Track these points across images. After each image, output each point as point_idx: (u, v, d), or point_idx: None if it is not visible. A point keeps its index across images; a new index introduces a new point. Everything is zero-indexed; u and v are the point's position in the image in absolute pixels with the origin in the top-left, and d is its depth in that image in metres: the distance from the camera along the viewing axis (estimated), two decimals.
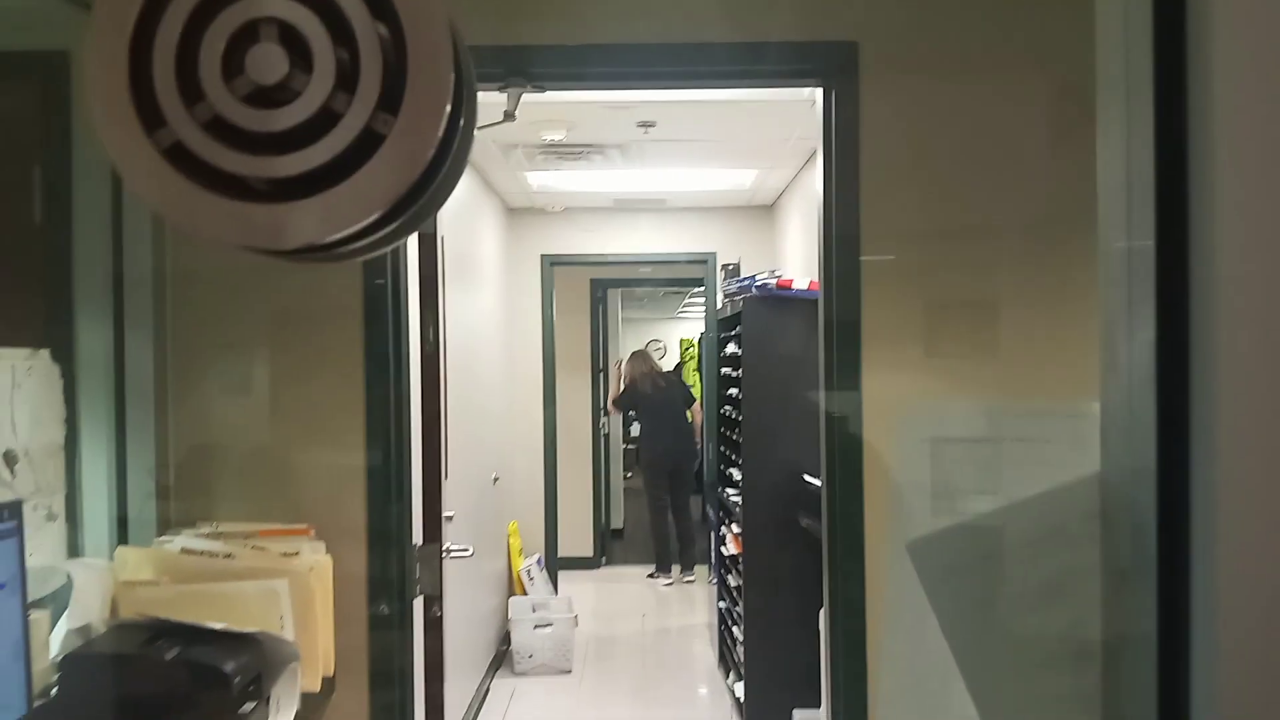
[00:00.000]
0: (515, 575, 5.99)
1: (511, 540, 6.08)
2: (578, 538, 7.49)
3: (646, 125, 3.90)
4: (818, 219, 2.23)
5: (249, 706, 1.70)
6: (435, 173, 0.49)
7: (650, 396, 7.37)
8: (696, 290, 10.80)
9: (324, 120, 0.47)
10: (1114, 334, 0.48)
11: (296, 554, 1.95)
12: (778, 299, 4.20)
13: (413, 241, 2.29)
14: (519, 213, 6.36)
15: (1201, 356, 0.42)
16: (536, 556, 6.29)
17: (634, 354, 7.70)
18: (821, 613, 3.51)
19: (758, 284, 4.21)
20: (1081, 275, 2.11)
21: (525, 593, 5.92)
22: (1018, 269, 2.16)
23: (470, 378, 4.71)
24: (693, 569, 7.55)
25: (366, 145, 0.48)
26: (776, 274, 4.27)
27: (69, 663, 1.59)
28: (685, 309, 13.74)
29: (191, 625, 1.71)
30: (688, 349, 12.41)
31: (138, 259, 2.12)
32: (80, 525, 1.96)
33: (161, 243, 2.13)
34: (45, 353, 1.81)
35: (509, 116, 2.21)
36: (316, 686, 1.94)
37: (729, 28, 2.11)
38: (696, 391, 11.54)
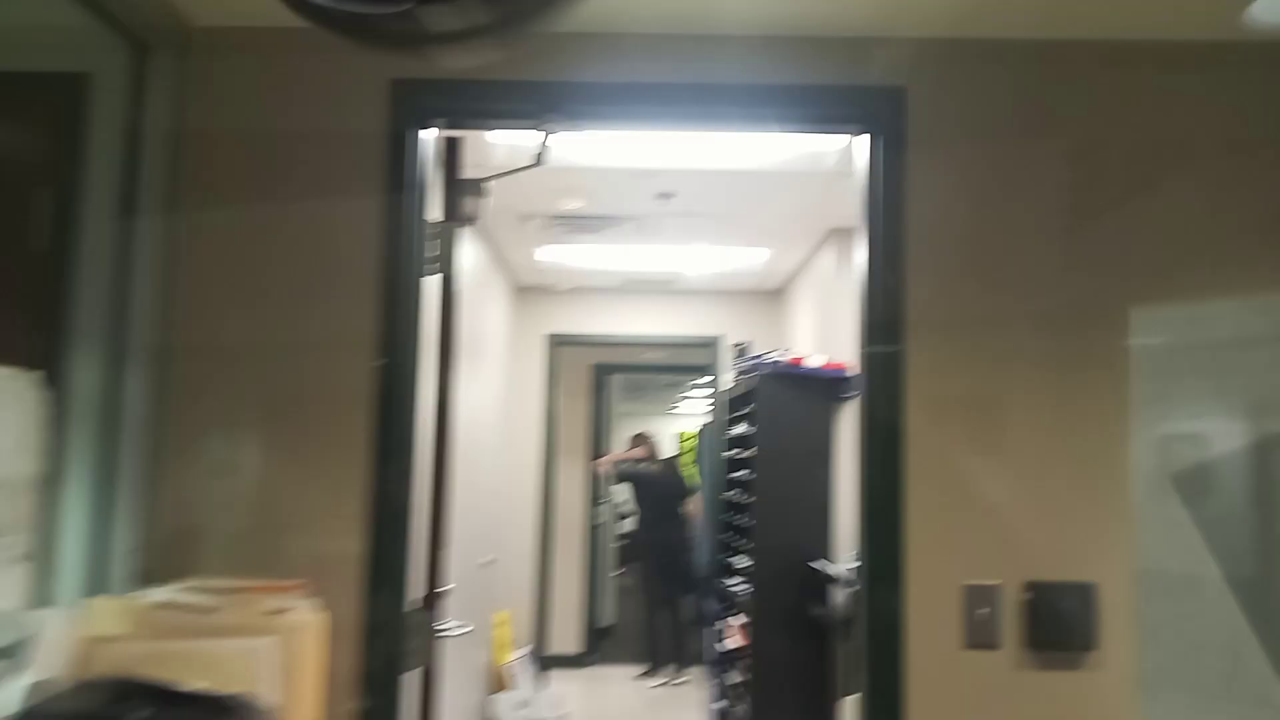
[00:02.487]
0: (499, 669, 5.69)
1: (499, 631, 5.79)
2: (566, 633, 7.19)
3: (666, 196, 3.84)
4: (860, 278, 2.10)
5: None
6: None
7: (651, 482, 7.23)
8: (695, 383, 10.73)
9: None
10: None
11: (286, 610, 1.77)
12: (791, 377, 4.10)
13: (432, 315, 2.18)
14: (526, 291, 6.29)
15: None
16: (527, 649, 5.99)
17: (638, 434, 7.53)
18: (846, 702, 3.29)
19: (771, 361, 4.11)
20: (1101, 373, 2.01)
21: (510, 688, 5.61)
22: (1064, 361, 2.04)
23: (468, 455, 4.54)
24: (687, 668, 7.23)
25: None
26: (789, 351, 4.18)
27: None
28: (680, 404, 13.64)
29: (164, 686, 1.52)
30: (686, 441, 12.23)
31: (147, 311, 1.99)
32: (54, 572, 1.78)
33: (171, 294, 2.01)
34: (30, 375, 1.67)
35: (539, 160, 2.13)
36: None
37: (771, 70, 2.06)
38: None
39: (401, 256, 2.01)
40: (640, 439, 7.43)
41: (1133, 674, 1.94)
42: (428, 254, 2.09)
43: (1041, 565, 1.97)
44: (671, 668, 7.18)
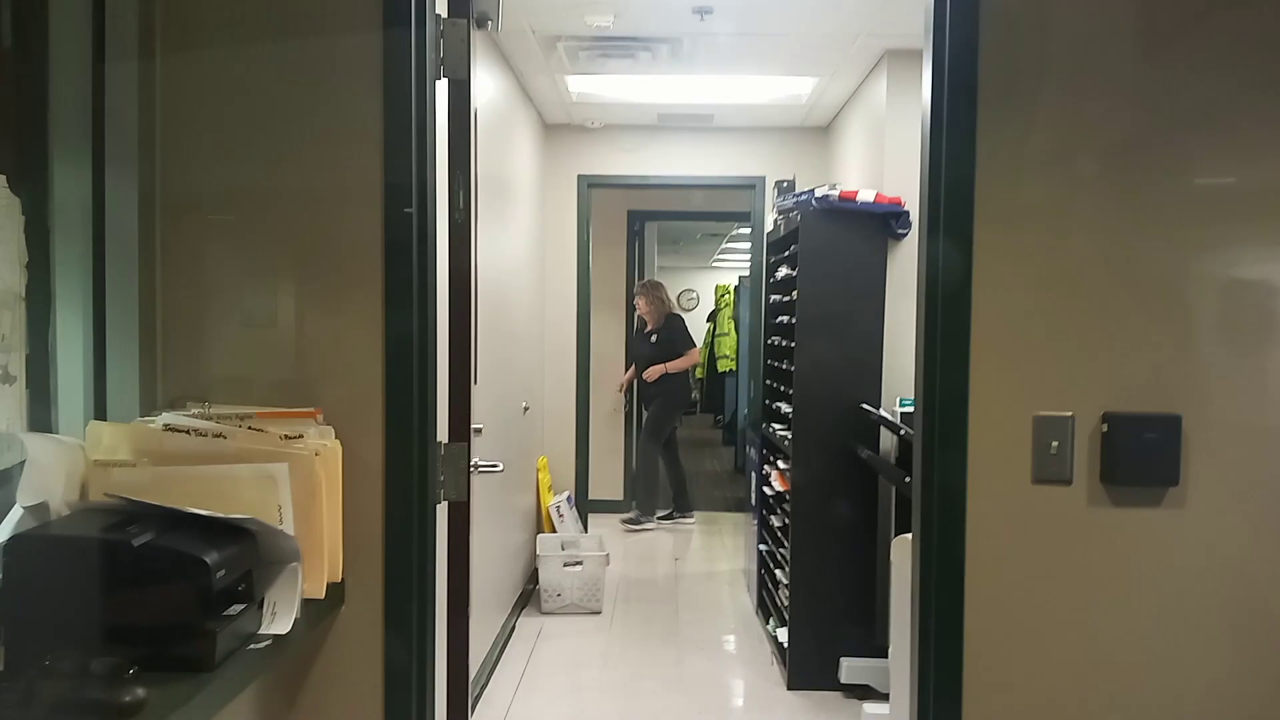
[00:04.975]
0: (544, 512, 5.74)
1: (541, 475, 5.81)
2: (607, 480, 7.22)
3: (703, 11, 3.51)
4: (925, 102, 1.84)
5: (236, 609, 1.42)
6: None
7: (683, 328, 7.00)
8: (736, 234, 10.43)
9: None
10: None
11: (300, 437, 1.65)
12: (839, 213, 3.84)
13: (441, 101, 1.95)
14: (556, 129, 5.99)
15: None
16: (566, 494, 6.03)
17: (653, 283, 7.10)
18: (894, 542, 3.19)
19: (817, 196, 3.85)
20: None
21: (554, 530, 5.66)
22: (1140, 192, 1.79)
23: (501, 299, 4.40)
24: (691, 511, 7.25)
25: None
26: (837, 186, 3.91)
27: (15, 545, 1.31)
28: (721, 256, 13.38)
29: (171, 510, 1.42)
30: (723, 295, 12.04)
31: (122, 94, 1.80)
32: (54, 399, 1.67)
33: (150, 77, 1.81)
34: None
35: None
36: (321, 592, 1.65)
37: None
38: (734, 338, 11.21)
39: (405, 58, 1.78)
40: (648, 289, 6.92)
41: (1216, 514, 1.78)
42: (437, 54, 1.87)
43: (1120, 396, 1.79)
44: (658, 513, 7.15)
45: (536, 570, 5.15)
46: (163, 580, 1.33)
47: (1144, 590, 1.78)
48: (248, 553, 1.45)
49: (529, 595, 5.26)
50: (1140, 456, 1.78)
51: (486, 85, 3.93)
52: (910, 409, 2.64)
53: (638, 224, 7.73)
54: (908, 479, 2.78)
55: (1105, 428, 1.78)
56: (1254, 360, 1.78)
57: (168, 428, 1.60)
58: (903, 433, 3.39)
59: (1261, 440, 1.78)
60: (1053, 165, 1.79)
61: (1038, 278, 1.79)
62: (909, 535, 2.06)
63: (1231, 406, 1.78)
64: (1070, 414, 1.79)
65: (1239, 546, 1.77)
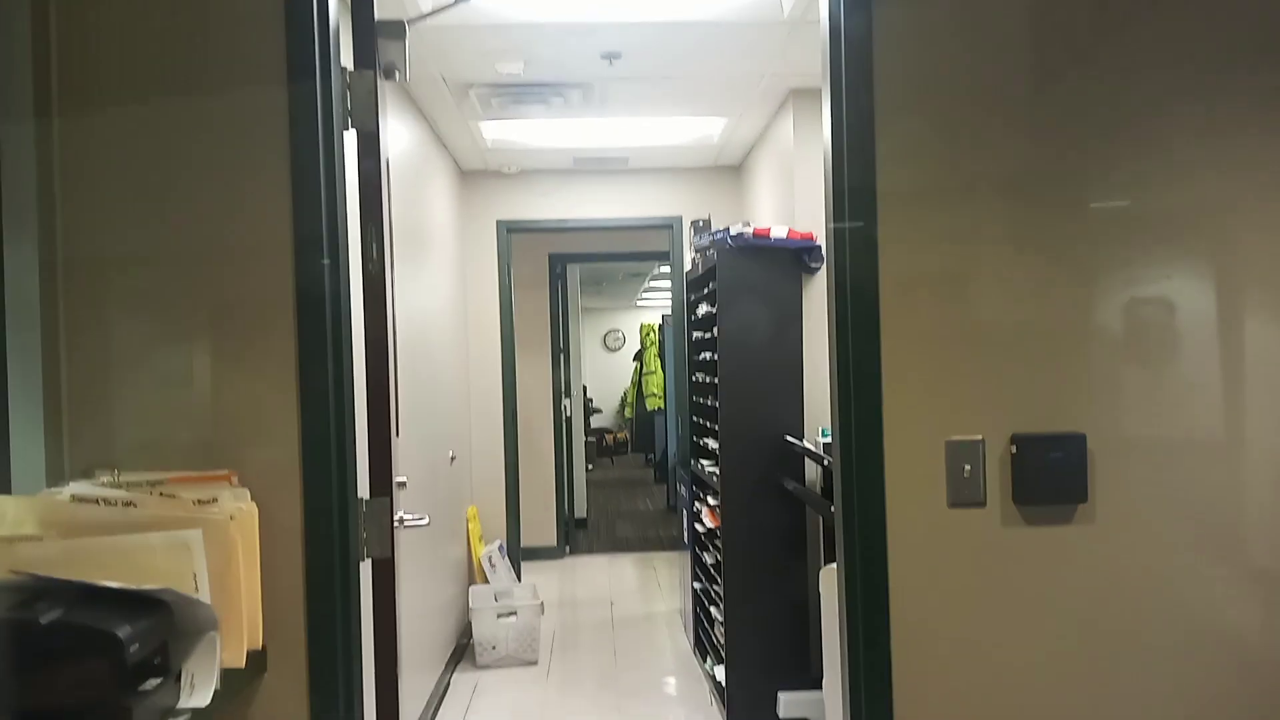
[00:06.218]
0: (475, 563, 5.65)
1: (471, 525, 5.73)
2: (540, 527, 7.16)
3: (611, 56, 3.58)
4: (827, 140, 1.91)
5: (153, 683, 1.37)
6: None
7: None
8: (658, 273, 10.54)
9: None
10: None
11: (214, 501, 1.61)
12: (754, 249, 3.92)
13: (351, 147, 1.95)
14: (473, 175, 6.00)
15: None
16: (498, 543, 5.95)
17: None
18: (822, 572, 3.23)
19: (732, 234, 3.92)
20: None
21: (487, 581, 5.58)
22: (1037, 218, 1.88)
23: (422, 349, 4.36)
24: None
25: None
26: (751, 224, 3.99)
27: None
28: (645, 296, 13.49)
29: (80, 584, 1.37)
30: (648, 334, 12.12)
31: (18, 155, 1.75)
32: None
33: (48, 136, 1.77)
34: None
35: None
36: (241, 661, 1.60)
37: None
38: (661, 376, 11.26)
39: (310, 111, 1.77)
40: None
41: (1124, 528, 1.85)
42: (344, 107, 1.87)
43: (1027, 418, 1.86)
44: None
45: (470, 623, 5.06)
46: (74, 658, 1.28)
47: (1060, 605, 1.84)
48: (162, 624, 1.41)
49: (463, 650, 5.16)
50: (1049, 475, 1.84)
51: (399, 134, 3.93)
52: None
53: (559, 266, 7.75)
54: (833, 508, 2.82)
55: (1014, 449, 1.85)
56: (1152, 376, 1.87)
57: (75, 498, 1.55)
58: (826, 463, 3.45)
59: (1162, 453, 1.86)
60: (954, 194, 1.87)
61: (943, 305, 1.86)
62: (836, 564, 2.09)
63: (1133, 422, 1.86)
64: (980, 437, 1.85)
65: (1147, 557, 1.85)
